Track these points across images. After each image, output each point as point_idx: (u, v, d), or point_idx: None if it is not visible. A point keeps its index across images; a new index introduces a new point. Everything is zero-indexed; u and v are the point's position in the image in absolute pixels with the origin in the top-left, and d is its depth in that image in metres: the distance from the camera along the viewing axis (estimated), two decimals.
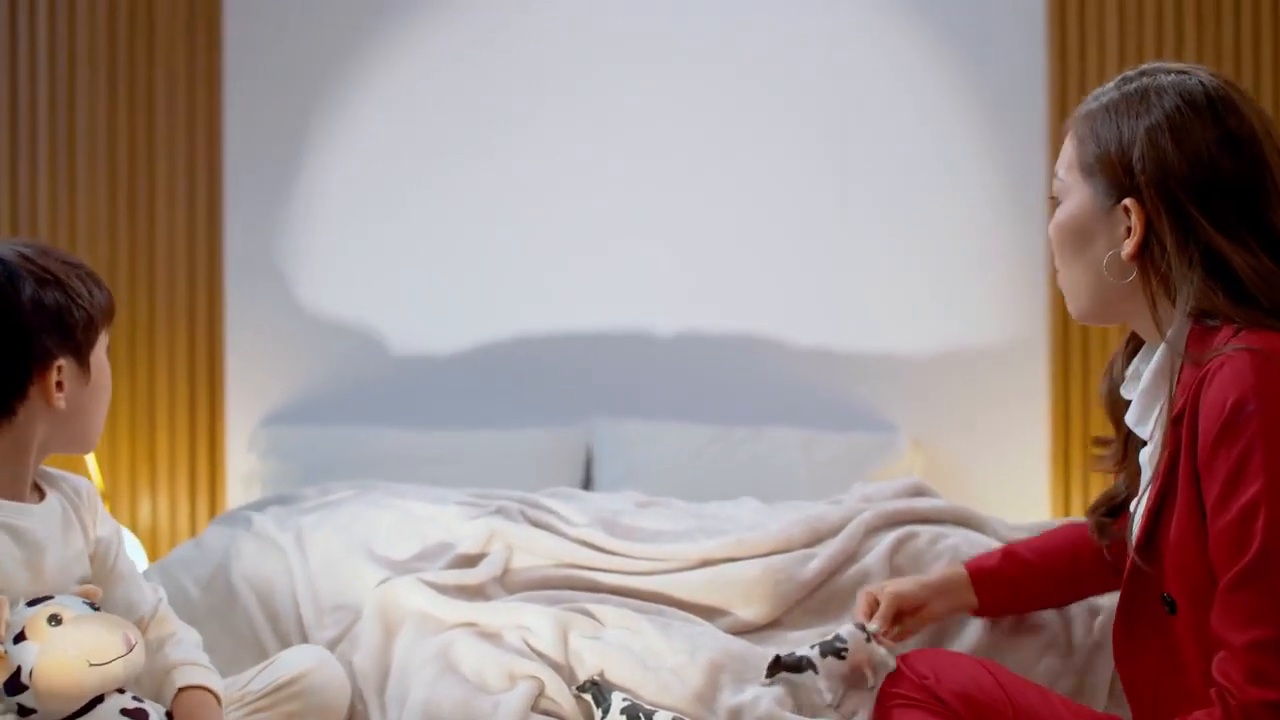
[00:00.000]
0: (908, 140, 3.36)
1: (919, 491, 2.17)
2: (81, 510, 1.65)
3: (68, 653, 1.46)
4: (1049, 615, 1.94)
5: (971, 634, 1.91)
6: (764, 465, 3.13)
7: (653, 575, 1.98)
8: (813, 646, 1.80)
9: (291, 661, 1.74)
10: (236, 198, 3.39)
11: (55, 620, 1.49)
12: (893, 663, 1.71)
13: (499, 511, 2.10)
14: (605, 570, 2.00)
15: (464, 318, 3.40)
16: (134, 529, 3.34)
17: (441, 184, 3.39)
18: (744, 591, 1.95)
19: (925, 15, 3.35)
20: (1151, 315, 1.44)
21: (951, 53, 3.35)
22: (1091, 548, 1.77)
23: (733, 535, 2.03)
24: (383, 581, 1.96)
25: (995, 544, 2.05)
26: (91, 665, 1.46)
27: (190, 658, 1.66)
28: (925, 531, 2.03)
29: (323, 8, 3.39)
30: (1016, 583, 1.85)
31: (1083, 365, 3.33)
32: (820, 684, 1.79)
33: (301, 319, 3.41)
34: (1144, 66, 1.50)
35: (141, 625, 1.66)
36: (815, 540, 2.04)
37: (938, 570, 1.90)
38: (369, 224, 3.40)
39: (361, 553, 2.03)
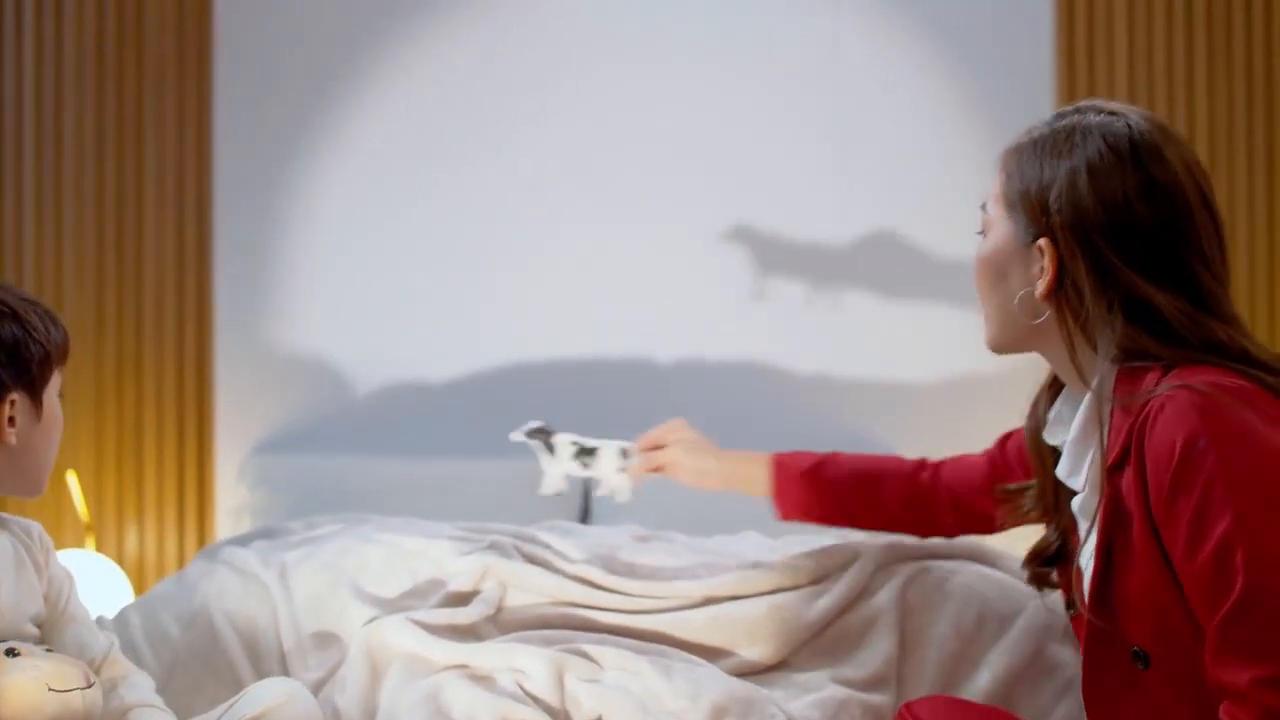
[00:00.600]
0: (913, 161, 3.32)
1: None
2: (34, 550, 1.61)
3: (27, 674, 1.42)
4: (1067, 658, 1.86)
5: (983, 679, 1.83)
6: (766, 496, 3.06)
7: (653, 614, 1.90)
8: (573, 442, 1.88)
9: (260, 696, 1.65)
10: (226, 222, 3.34)
11: (13, 653, 1.45)
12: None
13: (492, 547, 2.01)
14: (603, 609, 1.92)
15: (459, 345, 3.34)
16: (120, 561, 3.26)
17: (435, 209, 3.34)
18: (748, 631, 1.87)
19: (934, 42, 3.32)
20: (1070, 358, 1.42)
21: (959, 76, 3.31)
22: (903, 491, 1.84)
23: (736, 572, 1.95)
24: (370, 620, 1.88)
25: (1009, 580, 1.97)
26: (51, 690, 1.42)
27: (146, 699, 1.61)
28: (937, 567, 1.95)
29: (308, 51, 3.35)
30: (810, 504, 1.92)
31: None
32: (547, 470, 1.87)
33: (293, 345, 3.35)
34: (1081, 103, 1.48)
35: (93, 666, 1.61)
36: (823, 576, 1.95)
37: (740, 453, 2.00)
38: (361, 249, 3.35)
39: (348, 590, 1.95)
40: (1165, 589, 1.30)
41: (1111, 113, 1.43)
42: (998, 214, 1.50)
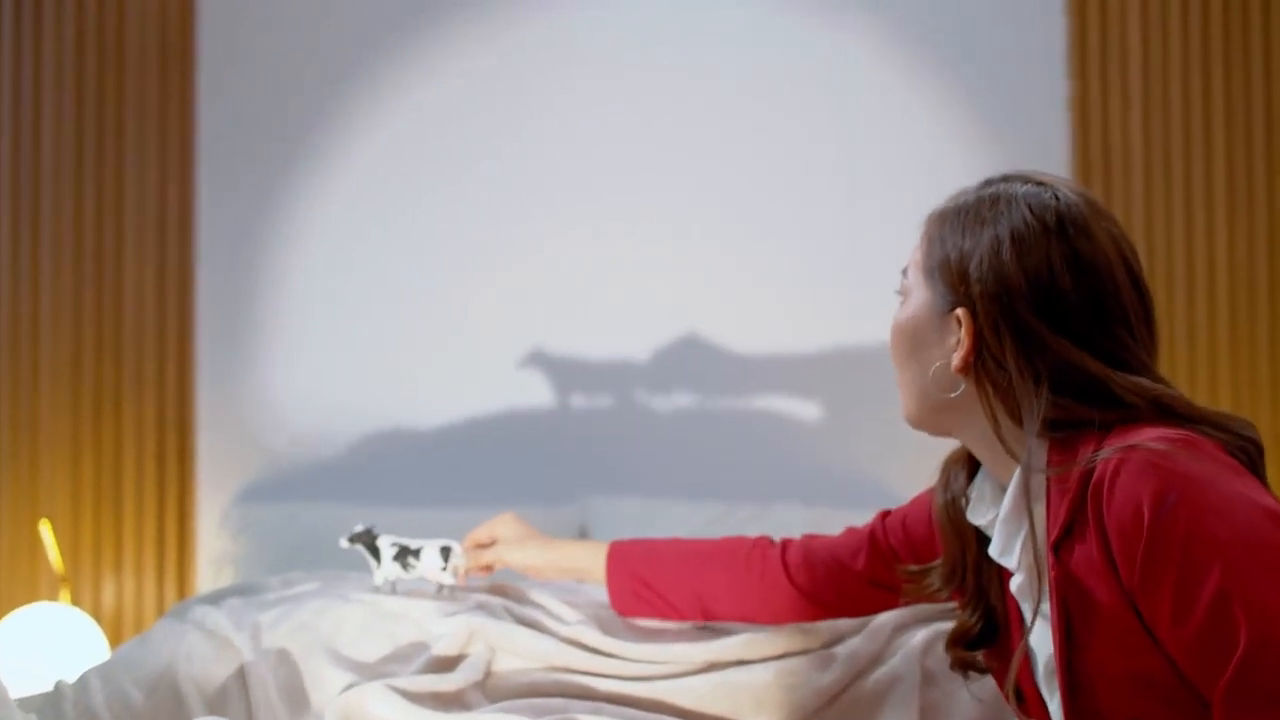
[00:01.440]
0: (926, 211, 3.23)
1: None
2: None
3: None
4: None
5: None
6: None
7: (653, 680, 1.76)
8: (394, 543, 1.93)
9: None
10: (209, 261, 3.27)
11: None
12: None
13: (480, 607, 1.88)
14: (600, 675, 1.78)
15: (451, 388, 3.26)
16: (96, 615, 3.15)
17: (422, 251, 3.27)
18: (755, 699, 1.74)
19: (948, 102, 3.28)
20: (994, 433, 1.35)
21: (974, 137, 3.27)
22: (734, 576, 1.78)
23: (742, 634, 1.81)
24: (347, 688, 1.74)
25: None
26: None
27: None
28: None
29: (291, 92, 3.30)
30: (651, 603, 1.86)
31: None
32: (375, 573, 1.94)
33: (278, 388, 3.26)
34: (1010, 172, 1.44)
35: None
36: (835, 639, 1.82)
37: (573, 543, 1.96)
38: (348, 289, 3.27)
39: (324, 654, 1.81)
40: (1149, 657, 1.23)
41: (1039, 183, 1.39)
42: (916, 280, 1.44)
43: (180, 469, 3.23)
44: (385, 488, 3.20)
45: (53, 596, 3.11)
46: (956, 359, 1.36)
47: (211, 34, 3.27)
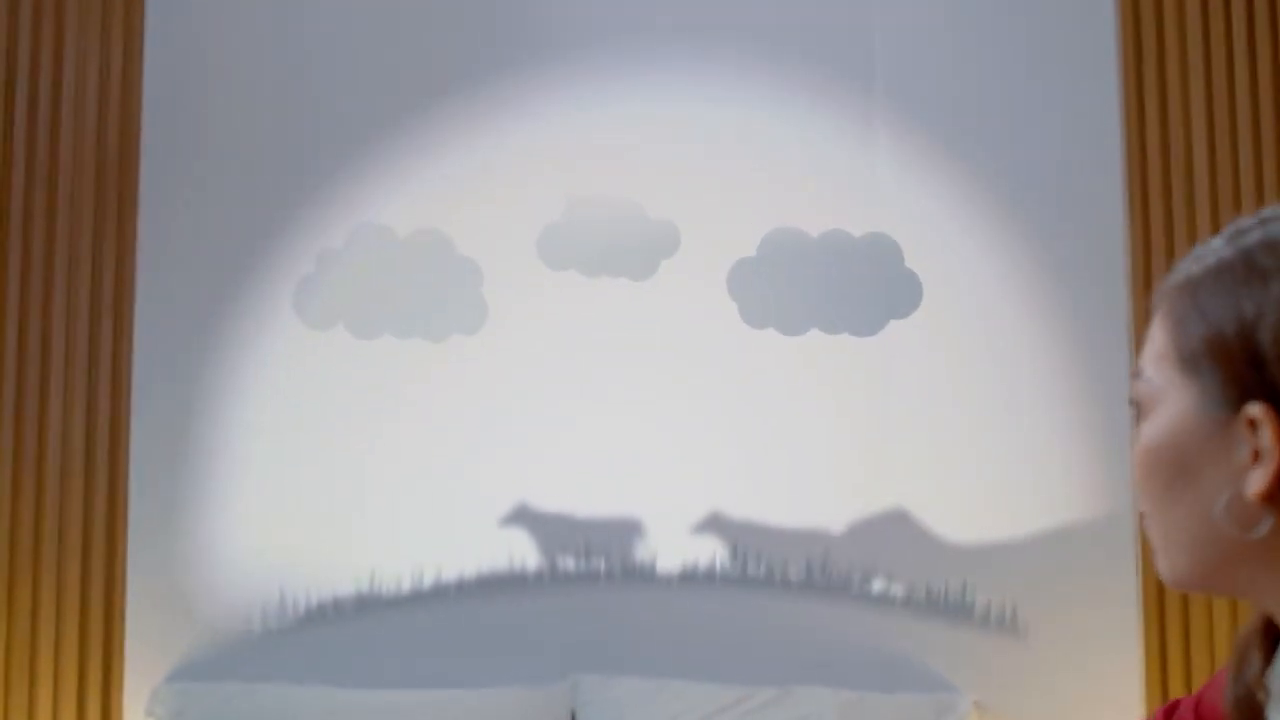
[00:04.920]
0: (954, 337, 3.12)
1: None
2: None
3: None
4: None
5: None
6: None
7: None
8: None
9: None
10: (144, 411, 3.13)
11: None
12: None
13: None
14: None
15: (416, 551, 3.12)
16: None
17: (377, 405, 3.15)
18: None
19: (993, 194, 3.14)
20: None
21: (1021, 223, 3.12)
22: None
23: None
24: None
25: None
26: None
27: None
28: None
29: (230, 240, 3.19)
30: None
31: (1182, 623, 2.94)
32: None
33: (218, 552, 3.13)
34: (1265, 212, 1.05)
35: None
36: None
37: None
38: (297, 443, 3.15)
39: None
40: None
41: None
42: (1166, 378, 1.04)
43: (105, 643, 3.03)
44: (340, 666, 3.05)
45: None
46: (1257, 480, 0.97)
47: (154, 171, 3.14)
